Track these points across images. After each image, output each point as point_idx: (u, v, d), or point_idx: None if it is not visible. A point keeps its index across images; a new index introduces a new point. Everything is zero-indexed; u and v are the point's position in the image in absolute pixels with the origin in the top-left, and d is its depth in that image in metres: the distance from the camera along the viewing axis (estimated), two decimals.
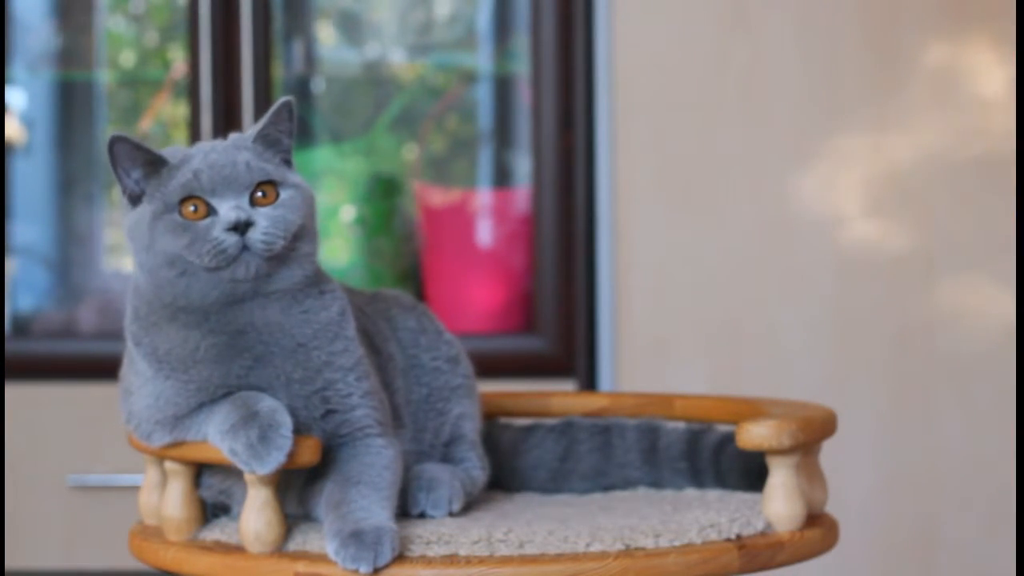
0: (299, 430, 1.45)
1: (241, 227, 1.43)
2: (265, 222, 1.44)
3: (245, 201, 1.45)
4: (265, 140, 1.49)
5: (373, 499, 1.45)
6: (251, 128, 1.51)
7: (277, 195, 1.46)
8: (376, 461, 1.49)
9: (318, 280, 1.50)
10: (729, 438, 1.66)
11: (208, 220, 1.44)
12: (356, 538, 1.40)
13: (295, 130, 1.51)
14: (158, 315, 1.47)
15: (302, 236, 1.47)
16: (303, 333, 1.48)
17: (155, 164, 1.46)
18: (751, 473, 1.64)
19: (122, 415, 1.53)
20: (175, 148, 1.49)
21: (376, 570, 1.40)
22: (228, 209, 1.44)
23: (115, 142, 1.45)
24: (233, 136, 1.51)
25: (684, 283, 2.69)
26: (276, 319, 1.47)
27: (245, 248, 1.43)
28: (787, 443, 1.49)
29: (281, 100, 1.49)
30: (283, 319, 1.47)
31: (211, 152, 1.47)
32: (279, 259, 1.45)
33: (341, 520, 1.42)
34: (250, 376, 1.47)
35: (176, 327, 1.46)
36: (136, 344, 1.49)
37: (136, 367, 1.50)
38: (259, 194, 1.45)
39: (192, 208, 1.44)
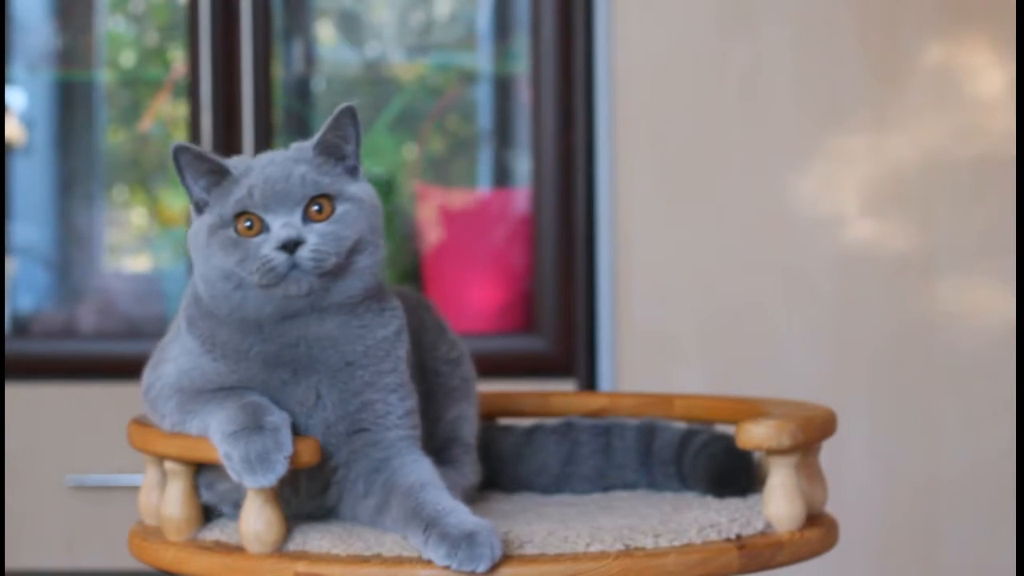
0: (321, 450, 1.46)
1: (290, 246, 1.42)
2: (316, 239, 1.43)
3: (297, 217, 1.43)
4: (325, 149, 1.47)
5: (448, 496, 1.43)
6: (314, 136, 1.48)
7: (333, 209, 1.45)
8: (425, 465, 1.48)
9: (380, 296, 1.50)
10: (713, 440, 1.65)
11: (260, 237, 1.43)
12: (469, 539, 1.37)
13: (361, 135, 1.48)
14: (215, 314, 1.47)
15: (361, 249, 1.45)
16: (354, 350, 1.47)
17: (218, 174, 1.45)
18: (724, 477, 1.62)
19: (142, 385, 1.52)
20: (240, 158, 1.48)
21: (494, 566, 1.38)
22: (279, 227, 1.43)
23: (178, 152, 1.44)
24: (295, 145, 1.49)
25: (684, 283, 2.69)
26: (332, 333, 1.46)
27: (295, 266, 1.42)
28: (787, 443, 1.49)
29: (342, 106, 1.46)
30: (339, 333, 1.46)
31: (269, 165, 1.45)
32: (334, 274, 1.44)
33: (438, 525, 1.39)
34: (284, 389, 1.46)
35: (232, 327, 1.47)
36: (190, 324, 1.49)
37: (183, 341, 1.50)
38: (315, 208, 1.44)
39: (247, 224, 1.43)
